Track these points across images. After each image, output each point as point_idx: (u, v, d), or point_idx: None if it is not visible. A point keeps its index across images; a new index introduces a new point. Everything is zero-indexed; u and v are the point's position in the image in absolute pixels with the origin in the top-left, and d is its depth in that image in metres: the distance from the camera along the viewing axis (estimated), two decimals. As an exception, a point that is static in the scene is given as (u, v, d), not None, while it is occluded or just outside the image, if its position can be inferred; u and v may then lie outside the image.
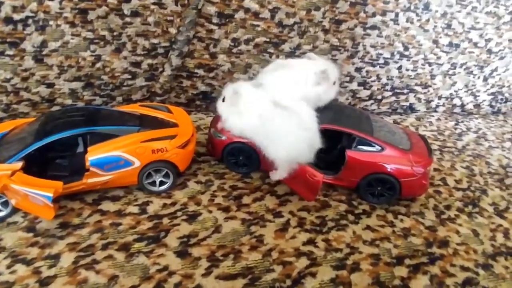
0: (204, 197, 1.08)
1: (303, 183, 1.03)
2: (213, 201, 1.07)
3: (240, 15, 1.32)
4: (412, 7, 1.43)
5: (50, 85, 1.31)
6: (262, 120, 1.03)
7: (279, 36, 1.38)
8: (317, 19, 1.37)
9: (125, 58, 1.32)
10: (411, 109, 1.68)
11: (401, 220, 1.08)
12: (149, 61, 1.35)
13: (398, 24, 1.45)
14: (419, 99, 1.64)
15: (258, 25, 1.35)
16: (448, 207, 1.16)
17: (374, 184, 1.10)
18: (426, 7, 1.44)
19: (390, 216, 1.09)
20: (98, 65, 1.31)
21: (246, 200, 1.08)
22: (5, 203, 0.98)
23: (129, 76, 1.35)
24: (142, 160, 1.03)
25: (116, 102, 1.40)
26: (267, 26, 1.35)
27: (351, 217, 1.06)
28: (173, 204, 1.05)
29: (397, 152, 1.09)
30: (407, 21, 1.45)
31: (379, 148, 1.08)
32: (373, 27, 1.43)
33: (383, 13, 1.42)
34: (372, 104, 1.60)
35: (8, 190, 0.93)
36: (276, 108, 1.03)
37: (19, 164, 0.96)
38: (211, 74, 1.41)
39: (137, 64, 1.35)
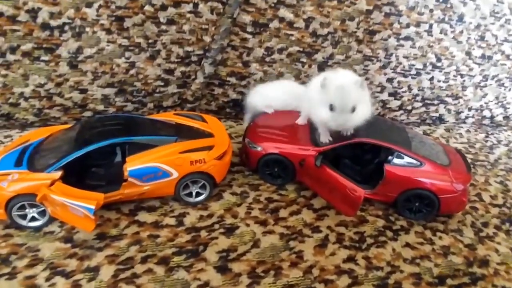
0: (240, 209, 1.07)
1: (342, 197, 1.01)
2: (250, 213, 1.06)
3: (274, 24, 1.31)
4: (446, 19, 1.41)
5: (83, 91, 1.31)
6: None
7: (312, 46, 1.37)
8: (351, 29, 1.36)
9: (158, 65, 1.32)
10: (440, 119, 1.65)
11: (440, 238, 1.06)
12: (182, 68, 1.35)
13: (431, 35, 1.43)
14: (449, 110, 1.62)
15: (292, 35, 1.33)
16: (485, 224, 1.13)
17: (412, 200, 1.08)
18: (460, 18, 1.42)
19: (428, 233, 1.07)
20: (132, 71, 1.31)
21: (283, 213, 1.07)
22: (42, 212, 0.98)
23: (162, 83, 1.35)
24: (180, 171, 1.02)
25: (147, 108, 1.40)
26: (301, 35, 1.34)
27: (389, 234, 1.05)
28: (210, 216, 1.04)
29: (436, 168, 1.07)
30: (440, 32, 1.43)
31: (418, 163, 1.07)
32: (407, 38, 1.42)
33: (417, 24, 1.40)
34: (401, 114, 1.58)
35: (47, 200, 0.93)
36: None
37: (58, 174, 0.95)
38: (243, 82, 1.40)
39: (170, 71, 1.35)
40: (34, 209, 0.96)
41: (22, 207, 0.96)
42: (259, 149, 1.14)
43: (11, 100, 1.28)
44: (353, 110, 1.01)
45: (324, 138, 1.10)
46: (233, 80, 1.40)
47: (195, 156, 1.02)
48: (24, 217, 0.97)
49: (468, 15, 1.43)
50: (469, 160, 1.43)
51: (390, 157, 1.08)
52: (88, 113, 1.36)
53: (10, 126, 1.33)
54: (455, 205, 1.09)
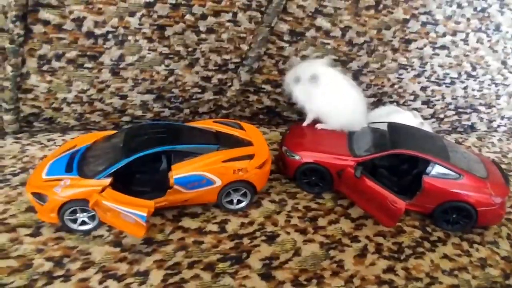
0: (280, 217, 1.10)
1: (382, 208, 1.03)
2: (290, 222, 1.08)
3: (311, 33, 1.32)
4: (483, 28, 1.40)
5: (123, 97, 1.35)
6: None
7: (348, 55, 1.38)
8: (387, 38, 1.36)
9: (197, 73, 1.34)
10: (472, 128, 1.65)
11: (477, 250, 1.07)
12: (219, 76, 1.37)
13: (467, 44, 1.43)
14: (481, 119, 1.61)
15: (328, 43, 1.35)
16: (521, 237, 1.14)
17: (449, 212, 1.10)
18: (497, 28, 1.41)
19: (465, 245, 1.08)
20: (171, 79, 1.34)
21: (321, 222, 1.09)
22: (92, 217, 1.02)
23: (199, 90, 1.38)
24: (223, 179, 1.05)
25: (183, 114, 1.43)
26: (337, 44, 1.35)
27: (427, 245, 1.06)
28: (251, 223, 1.07)
29: (475, 180, 1.08)
30: (477, 41, 1.42)
31: (457, 175, 1.08)
32: (443, 47, 1.41)
33: (454, 33, 1.40)
34: (433, 122, 1.58)
35: (99, 206, 0.97)
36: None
37: (108, 180, 0.99)
38: (278, 90, 1.42)
39: (207, 79, 1.37)
40: (85, 213, 1.01)
41: (74, 212, 1.00)
42: (297, 158, 1.16)
43: (54, 105, 1.33)
44: (316, 80, 1.15)
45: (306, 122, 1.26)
46: (268, 87, 1.42)
47: (237, 165, 1.05)
48: (74, 221, 1.01)
49: (505, 24, 1.42)
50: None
51: (428, 169, 1.09)
52: (126, 118, 1.40)
53: (52, 129, 1.39)
54: (492, 218, 1.10)
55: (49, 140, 1.35)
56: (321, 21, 1.31)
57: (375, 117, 1.38)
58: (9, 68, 1.22)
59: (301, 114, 1.51)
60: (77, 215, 1.00)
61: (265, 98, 1.44)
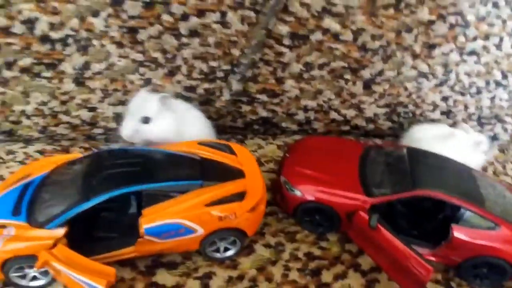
0: (275, 269, 0.91)
1: (403, 269, 0.83)
2: (287, 276, 0.90)
3: (316, 36, 1.10)
4: (521, 30, 1.18)
5: (92, 109, 1.15)
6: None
7: (359, 61, 1.16)
8: (408, 42, 1.14)
9: (178, 82, 1.14)
10: (494, 138, 1.45)
11: (508, 311, 0.91)
12: (206, 85, 1.16)
13: (501, 50, 1.21)
14: (505, 129, 1.42)
15: (336, 48, 1.13)
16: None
17: (479, 266, 0.91)
18: (538, 30, 1.18)
19: (494, 305, 0.91)
20: (147, 89, 1.13)
21: (326, 276, 0.91)
22: (45, 272, 0.82)
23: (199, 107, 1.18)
24: (206, 228, 0.86)
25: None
26: (347, 49, 1.13)
27: (450, 305, 0.90)
28: (240, 278, 0.89)
29: (513, 230, 0.89)
30: (512, 46, 1.20)
31: (493, 225, 0.88)
32: (472, 53, 1.20)
33: (486, 37, 1.18)
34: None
35: (49, 266, 0.78)
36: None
37: (61, 231, 0.79)
38: (275, 100, 1.22)
39: (191, 89, 1.16)
40: (35, 268, 0.81)
41: (21, 268, 0.81)
42: (297, 193, 0.96)
43: (12, 118, 1.13)
44: (146, 121, 1.00)
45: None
46: (263, 97, 1.21)
47: (224, 210, 0.85)
48: (23, 276, 0.83)
49: (547, 26, 1.19)
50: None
51: (458, 215, 0.90)
52: (99, 130, 1.20)
53: (13, 140, 1.19)
54: (530, 273, 0.93)
55: (8, 152, 1.14)
56: (329, 22, 1.09)
57: (420, 138, 1.17)
58: None
59: (301, 125, 1.32)
60: (26, 270, 0.82)
61: (260, 109, 1.24)
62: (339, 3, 1.07)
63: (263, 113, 1.27)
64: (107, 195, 0.82)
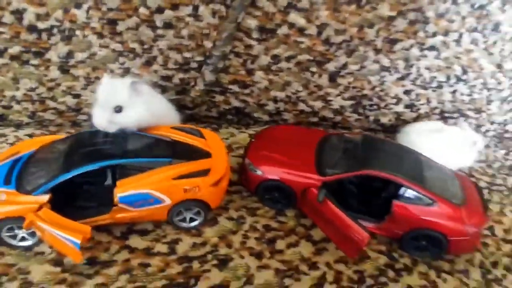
0: (236, 237, 1.02)
1: (345, 237, 0.95)
2: (245, 244, 1.01)
3: (283, 30, 1.18)
4: (479, 28, 1.25)
5: (77, 96, 1.25)
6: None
7: (324, 55, 1.24)
8: (370, 37, 1.22)
9: (155, 71, 1.23)
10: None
11: (444, 280, 0.99)
12: (181, 75, 1.25)
13: (460, 46, 1.28)
14: (469, 124, 1.50)
15: (302, 42, 1.21)
16: (494, 265, 1.07)
17: (419, 239, 1.01)
18: (496, 28, 1.26)
19: (432, 274, 1.00)
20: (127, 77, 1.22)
21: (280, 245, 1.01)
22: (32, 233, 0.95)
23: (159, 90, 1.26)
24: (173, 198, 0.97)
25: (144, 114, 1.33)
26: (312, 43, 1.22)
27: (391, 273, 0.99)
28: (203, 244, 1.00)
29: (449, 208, 0.98)
30: (471, 42, 1.28)
31: (430, 201, 0.99)
32: (432, 48, 1.27)
33: (445, 33, 1.25)
34: (416, 126, 1.48)
35: (35, 226, 0.89)
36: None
37: (46, 197, 0.91)
38: (246, 91, 1.30)
39: (167, 78, 1.25)
40: (24, 229, 0.93)
41: (11, 228, 0.93)
42: (259, 173, 1.07)
43: (3, 103, 1.23)
44: (118, 110, 0.97)
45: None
46: (235, 88, 1.30)
47: (189, 183, 0.96)
48: (14, 237, 0.94)
49: (505, 23, 1.27)
50: (485, 184, 1.34)
51: (399, 192, 1.00)
52: (83, 117, 1.30)
53: (4, 125, 1.29)
54: (465, 248, 1.02)
55: (0, 135, 1.26)
56: (295, 17, 1.17)
57: (413, 132, 1.29)
58: None
59: (272, 115, 1.41)
60: (16, 231, 0.93)
61: (233, 99, 1.33)
62: (304, -2, 1.15)
63: (236, 103, 1.36)
64: (85, 168, 0.93)
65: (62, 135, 1.24)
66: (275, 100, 1.34)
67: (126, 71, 1.20)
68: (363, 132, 1.35)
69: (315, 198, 1.00)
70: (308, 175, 1.03)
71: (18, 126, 1.30)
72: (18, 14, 1.06)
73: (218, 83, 1.27)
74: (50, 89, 1.20)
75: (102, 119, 0.96)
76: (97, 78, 1.20)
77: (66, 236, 0.86)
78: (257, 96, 1.31)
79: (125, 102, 0.96)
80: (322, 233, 1.05)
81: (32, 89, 1.20)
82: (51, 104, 1.24)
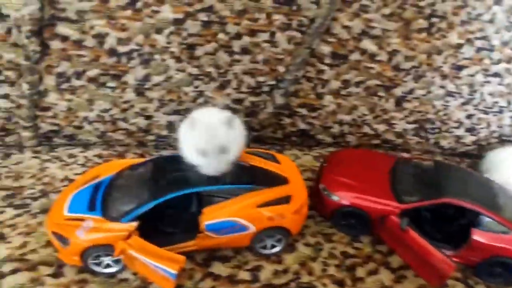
0: (316, 265, 1.03)
1: (428, 266, 0.95)
2: (326, 271, 1.01)
3: (355, 56, 1.21)
4: (542, 56, 1.27)
5: (148, 117, 1.27)
6: None
7: (392, 80, 1.26)
8: (437, 64, 1.24)
9: (228, 95, 1.25)
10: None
11: (522, 308, 1.01)
12: (252, 98, 1.27)
13: (522, 72, 1.30)
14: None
15: (372, 68, 1.23)
16: None
17: (494, 265, 1.02)
18: (560, 53, 1.28)
19: (509, 303, 1.02)
20: (200, 100, 1.25)
21: (360, 272, 1.02)
22: (117, 260, 0.95)
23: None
24: (258, 226, 0.98)
25: (211, 136, 1.35)
26: (382, 69, 1.23)
27: (470, 302, 1.00)
28: (285, 271, 1.00)
29: (526, 236, 0.99)
30: (535, 69, 1.29)
31: (506, 229, 0.99)
32: (496, 75, 1.29)
33: (509, 61, 1.27)
34: (474, 149, 1.49)
35: (125, 255, 0.90)
36: None
37: (134, 224, 0.91)
38: (314, 114, 1.32)
39: (239, 101, 1.28)
40: (110, 257, 0.94)
41: (98, 256, 0.93)
42: (335, 198, 1.08)
43: (75, 123, 1.25)
44: (223, 151, 0.91)
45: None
46: (303, 111, 1.32)
47: (273, 211, 0.97)
48: (99, 264, 0.95)
49: None
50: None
51: (478, 220, 1.01)
52: (151, 137, 1.32)
53: (73, 144, 1.32)
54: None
55: (70, 156, 1.28)
56: (367, 44, 1.19)
57: (497, 161, 1.27)
58: (25, 86, 1.14)
59: (335, 137, 1.43)
60: (101, 258, 0.94)
61: (299, 121, 1.35)
62: (378, 26, 1.17)
63: (302, 126, 1.37)
64: (172, 195, 0.94)
65: (130, 155, 1.29)
66: (340, 123, 1.36)
67: (200, 94, 1.22)
68: (434, 158, 1.36)
69: (395, 226, 1.00)
70: (386, 202, 1.04)
71: (85, 145, 1.32)
72: (100, 38, 1.09)
73: (287, 106, 1.29)
74: (123, 110, 1.23)
75: (212, 166, 0.91)
76: (171, 100, 1.22)
77: (161, 266, 0.86)
78: (324, 119, 1.33)
79: (227, 141, 0.91)
80: (400, 259, 1.05)
81: (106, 110, 1.22)
82: (123, 125, 1.26)
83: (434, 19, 1.16)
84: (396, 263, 1.06)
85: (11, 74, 1.12)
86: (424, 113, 1.35)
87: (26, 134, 1.23)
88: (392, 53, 1.21)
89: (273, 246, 1.04)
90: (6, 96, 1.16)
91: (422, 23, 1.17)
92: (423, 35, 1.19)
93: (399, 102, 1.31)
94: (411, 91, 1.29)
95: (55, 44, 1.08)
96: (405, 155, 1.41)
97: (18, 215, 1.06)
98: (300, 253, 1.05)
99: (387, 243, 1.07)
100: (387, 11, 1.14)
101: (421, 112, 1.35)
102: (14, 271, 0.92)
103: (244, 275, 0.99)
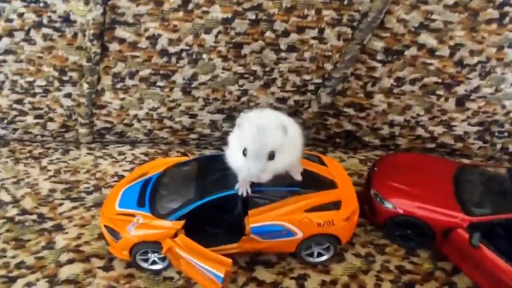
0: (368, 278, 0.94)
1: (496, 282, 0.84)
2: (380, 286, 0.92)
3: (411, 52, 1.11)
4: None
5: (193, 116, 1.27)
6: None
7: (454, 77, 1.14)
8: (509, 58, 1.10)
9: (272, 93, 1.21)
10: None
11: None
12: (297, 97, 1.22)
13: None
14: None
15: (431, 64, 1.12)
16: None
17: None
18: None
19: None
20: (244, 99, 1.22)
21: (419, 291, 0.92)
22: (163, 258, 0.94)
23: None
24: (305, 232, 0.92)
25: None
26: (442, 65, 1.12)
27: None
28: (333, 283, 0.93)
29: None
30: None
31: None
32: None
33: None
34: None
35: (172, 253, 0.88)
36: None
37: (181, 223, 0.90)
38: (362, 114, 1.24)
39: (283, 100, 1.23)
40: (156, 254, 0.94)
41: (145, 252, 0.94)
42: (389, 206, 0.99)
43: (126, 121, 1.30)
44: (271, 157, 0.83)
45: (241, 190, 0.90)
46: (350, 111, 1.24)
47: (323, 217, 0.91)
48: (145, 260, 0.95)
49: None
50: None
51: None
52: (194, 135, 1.33)
53: (122, 142, 1.37)
54: None
55: (119, 153, 1.33)
56: (425, 38, 1.09)
57: None
58: (85, 85, 1.21)
59: (384, 140, 1.33)
60: (148, 255, 0.94)
61: (345, 122, 1.27)
62: (439, 18, 1.06)
63: (348, 127, 1.30)
64: (218, 195, 0.92)
65: (174, 153, 1.30)
66: (391, 124, 1.26)
67: (244, 93, 1.20)
68: (505, 166, 1.21)
69: (462, 241, 0.89)
70: (451, 213, 0.93)
71: (133, 143, 1.36)
72: (153, 39, 1.11)
73: (333, 105, 1.23)
74: (170, 109, 1.25)
75: (256, 169, 0.83)
76: (215, 99, 1.22)
77: (207, 267, 0.83)
78: (373, 119, 1.24)
79: (277, 148, 0.84)
80: (467, 279, 0.93)
81: (154, 109, 1.25)
82: (168, 123, 1.29)
83: (507, 8, 1.03)
84: (463, 284, 0.93)
85: (74, 74, 1.20)
86: (491, 114, 1.21)
87: (83, 130, 1.31)
88: (455, 47, 1.10)
89: (319, 254, 0.97)
90: (69, 95, 1.25)
91: (491, 12, 1.04)
92: (493, 26, 1.06)
93: (461, 101, 1.18)
94: (476, 89, 1.16)
95: (113, 46, 1.13)
96: (466, 161, 1.28)
97: (75, 208, 1.11)
98: (349, 264, 0.98)
99: (451, 260, 0.95)
100: (450, 1, 1.03)
101: (488, 113, 1.21)
102: (70, 261, 0.96)
103: (289, 283, 0.93)
